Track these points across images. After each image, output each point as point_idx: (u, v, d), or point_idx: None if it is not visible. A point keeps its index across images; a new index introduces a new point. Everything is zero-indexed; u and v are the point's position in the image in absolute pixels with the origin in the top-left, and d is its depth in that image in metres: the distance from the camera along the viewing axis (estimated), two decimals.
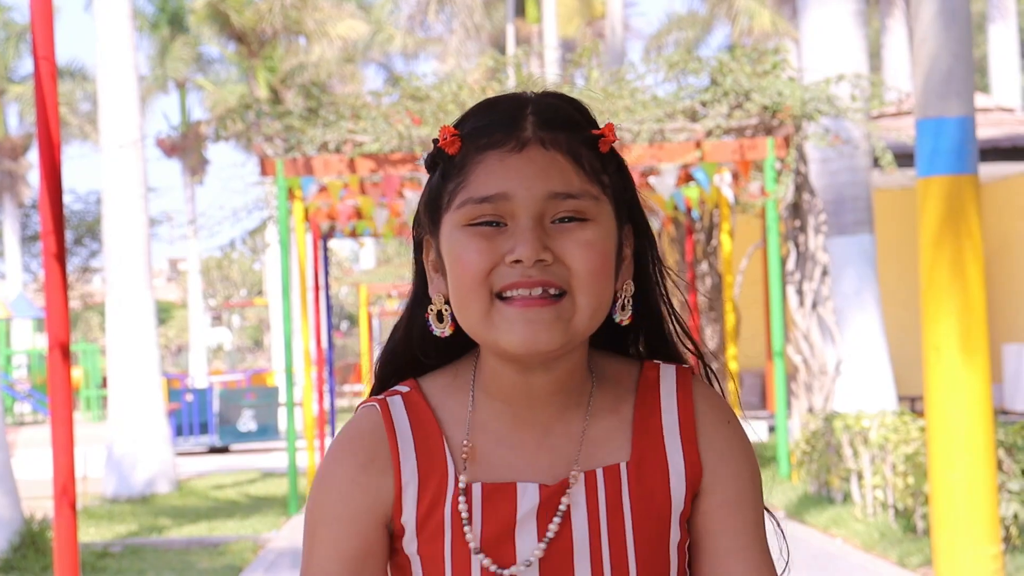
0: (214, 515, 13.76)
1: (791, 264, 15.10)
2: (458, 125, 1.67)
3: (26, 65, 42.32)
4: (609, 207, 1.63)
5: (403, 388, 1.71)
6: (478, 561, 1.63)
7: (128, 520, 13.54)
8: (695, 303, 17.65)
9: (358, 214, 16.46)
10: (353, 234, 18.57)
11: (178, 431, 24.18)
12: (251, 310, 70.05)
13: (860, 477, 11.19)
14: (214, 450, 24.58)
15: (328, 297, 19.77)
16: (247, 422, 24.34)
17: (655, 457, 1.66)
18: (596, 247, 1.59)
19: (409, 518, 1.65)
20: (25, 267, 46.27)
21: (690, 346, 1.76)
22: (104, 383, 34.80)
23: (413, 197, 14.44)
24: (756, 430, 14.10)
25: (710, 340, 17.84)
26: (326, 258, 19.43)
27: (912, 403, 18.81)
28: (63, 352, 5.54)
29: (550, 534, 1.63)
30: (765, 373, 21.59)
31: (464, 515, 1.64)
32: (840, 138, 14.32)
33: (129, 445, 15.65)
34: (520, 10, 36.66)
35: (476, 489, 1.64)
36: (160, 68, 40.58)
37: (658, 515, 1.66)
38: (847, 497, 11.69)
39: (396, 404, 1.69)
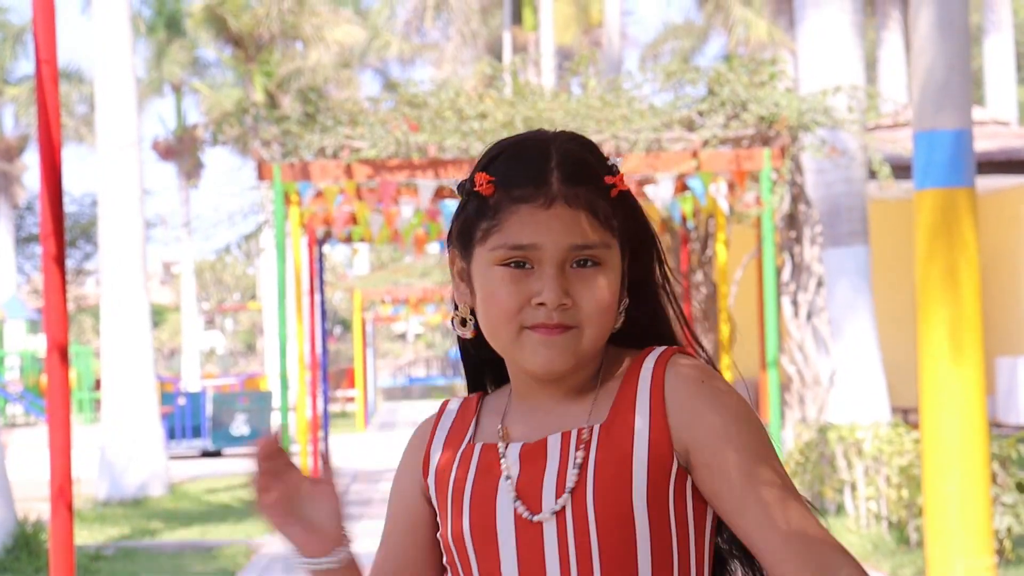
0: (207, 519, 13.75)
1: (786, 274, 15.12)
2: (487, 167, 1.94)
3: (22, 67, 42.29)
4: (616, 246, 1.93)
5: (471, 396, 2.08)
6: (466, 509, 1.92)
7: (120, 523, 13.53)
8: (690, 313, 17.67)
9: (353, 220, 16.46)
10: (349, 240, 18.57)
11: (171, 434, 24.17)
12: (244, 314, 70.01)
13: (854, 488, 11.20)
14: (207, 454, 24.56)
15: (323, 302, 19.77)
16: (240, 426, 24.32)
17: (624, 421, 1.90)
18: (604, 289, 1.90)
19: (431, 476, 2.00)
20: (19, 268, 46.24)
21: (688, 338, 2.03)
22: (97, 386, 34.76)
23: (408, 207, 14.45)
24: None
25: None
26: (321, 263, 19.43)
27: (905, 414, 18.82)
28: (61, 354, 5.54)
29: (567, 487, 1.88)
30: (759, 383, 21.58)
31: (500, 468, 1.92)
32: (836, 149, 14.34)
33: (122, 448, 15.64)
34: (517, 18, 36.66)
35: (477, 448, 1.96)
36: (156, 71, 40.54)
37: (620, 469, 1.87)
38: (840, 508, 11.70)
39: (455, 401, 2.08)
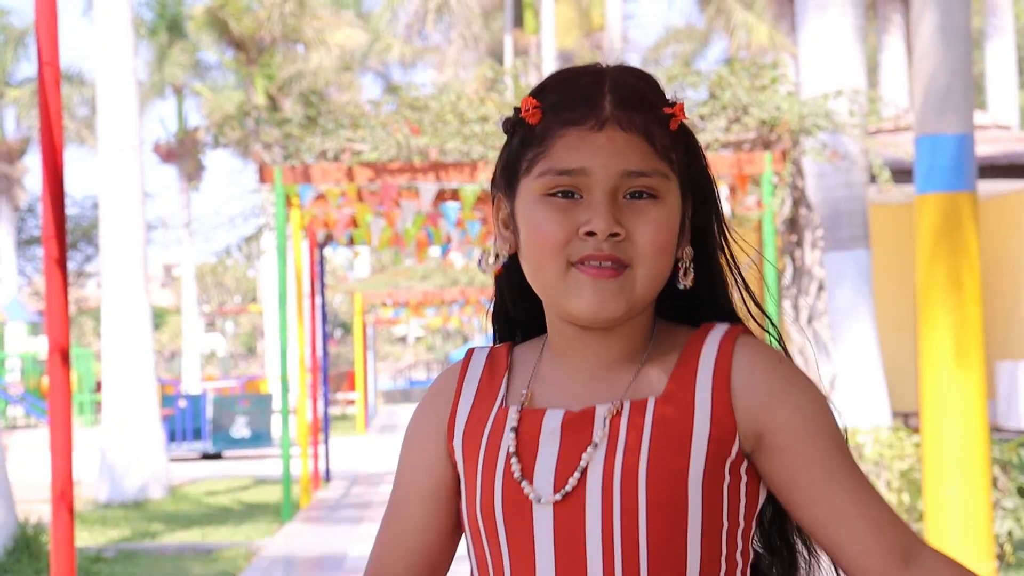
0: (207, 521, 13.76)
1: (787, 278, 15.12)
2: (537, 95, 1.79)
3: (24, 69, 42.30)
4: (676, 183, 1.77)
5: (499, 346, 1.90)
6: (500, 480, 1.76)
7: (121, 525, 13.54)
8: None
9: (354, 223, 16.47)
10: (350, 243, 18.58)
11: (171, 437, 24.17)
12: (245, 317, 70.01)
13: None
14: (207, 456, 24.56)
15: (323, 305, 19.79)
16: (240, 428, 24.33)
17: (684, 395, 1.75)
18: (662, 225, 1.74)
19: (458, 436, 1.82)
20: (20, 270, 46.24)
21: (754, 309, 1.89)
22: (98, 388, 34.77)
23: (409, 209, 14.45)
24: None
25: None
26: (322, 266, 19.45)
27: (906, 419, 18.81)
28: (63, 357, 5.54)
29: (583, 462, 1.73)
30: None
31: (511, 444, 1.76)
32: (837, 153, 14.35)
33: (123, 450, 15.64)
34: (518, 21, 36.67)
35: (512, 412, 1.78)
36: (158, 74, 40.55)
37: (678, 449, 1.72)
38: None
39: (481, 352, 1.89)
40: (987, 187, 18.94)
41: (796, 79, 15.85)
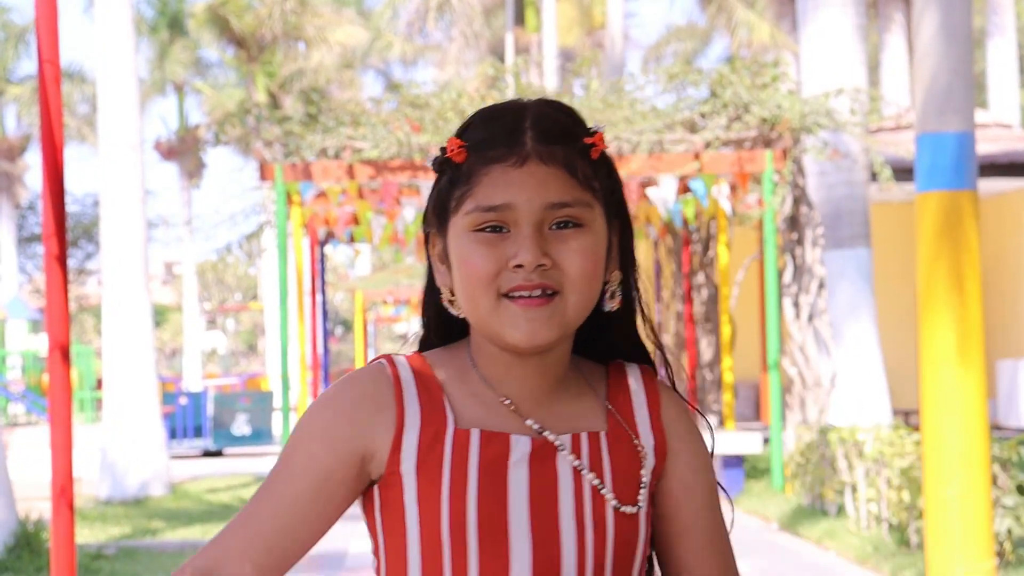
0: (208, 518, 13.76)
1: (787, 276, 15.12)
2: (462, 134, 1.85)
3: (24, 66, 42.29)
4: (600, 209, 1.83)
5: (414, 359, 1.90)
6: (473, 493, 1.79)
7: (122, 522, 13.54)
8: (691, 314, 17.67)
9: (355, 220, 16.48)
10: (351, 240, 18.59)
11: (172, 434, 24.18)
12: (246, 314, 70.02)
13: (854, 490, 11.21)
14: (208, 454, 24.58)
15: (324, 302, 19.79)
16: (241, 426, 24.34)
17: (625, 433, 1.87)
18: (588, 252, 1.79)
19: (409, 456, 1.81)
20: (21, 268, 46.24)
21: (652, 337, 1.95)
22: (98, 385, 34.75)
23: (410, 207, 14.46)
24: (750, 442, 14.14)
25: (705, 351, 17.86)
26: (323, 263, 19.45)
27: (907, 417, 18.83)
28: (63, 354, 5.55)
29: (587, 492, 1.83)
30: (760, 385, 21.61)
31: (508, 465, 1.81)
32: (838, 152, 14.35)
33: (123, 447, 15.65)
34: (520, 19, 36.64)
35: (475, 435, 1.81)
36: (159, 71, 40.56)
37: (632, 481, 1.85)
38: (841, 510, 11.71)
39: (401, 361, 1.88)
40: (988, 185, 18.94)
41: (797, 77, 15.86)
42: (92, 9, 16.37)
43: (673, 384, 1.95)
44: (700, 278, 17.82)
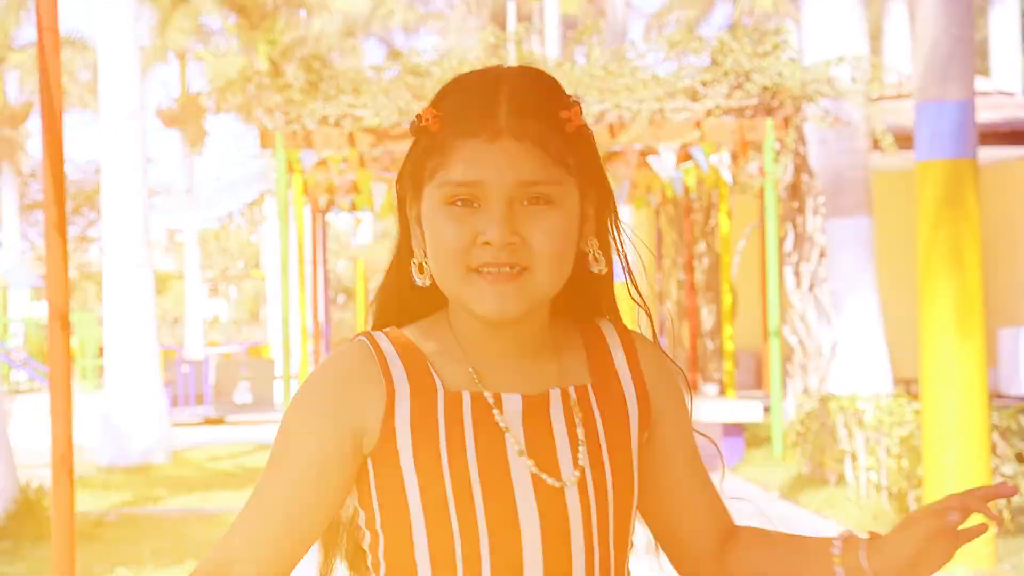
0: (209, 486, 13.79)
1: (788, 245, 15.12)
2: (437, 102, 1.87)
3: (26, 33, 42.19)
4: (574, 185, 1.83)
5: (392, 332, 1.91)
6: (473, 462, 1.81)
7: (123, 489, 13.57)
8: (692, 283, 17.68)
9: (356, 188, 16.47)
10: (353, 208, 18.58)
11: (174, 402, 24.21)
12: (248, 282, 70.04)
13: (854, 459, 11.22)
14: (209, 421, 24.61)
15: (325, 271, 19.79)
16: (243, 394, 24.37)
17: (613, 384, 1.92)
18: (557, 231, 1.81)
19: (403, 425, 1.82)
20: (23, 235, 46.23)
21: (639, 300, 2.00)
22: (100, 353, 34.79)
23: None
24: (751, 410, 14.16)
25: (706, 320, 17.87)
26: (324, 232, 19.44)
27: (907, 386, 18.83)
28: (63, 322, 5.56)
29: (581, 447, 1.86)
30: (761, 353, 21.62)
31: (500, 423, 1.83)
32: (840, 120, 14.33)
33: (125, 415, 15.67)
34: None
35: (466, 396, 1.84)
36: (160, 39, 40.45)
37: (622, 431, 1.89)
38: (841, 479, 11.73)
39: (380, 336, 1.89)
40: (989, 154, 18.91)
41: (799, 45, 15.82)
42: None
43: (654, 335, 2.00)
44: (701, 247, 17.81)
